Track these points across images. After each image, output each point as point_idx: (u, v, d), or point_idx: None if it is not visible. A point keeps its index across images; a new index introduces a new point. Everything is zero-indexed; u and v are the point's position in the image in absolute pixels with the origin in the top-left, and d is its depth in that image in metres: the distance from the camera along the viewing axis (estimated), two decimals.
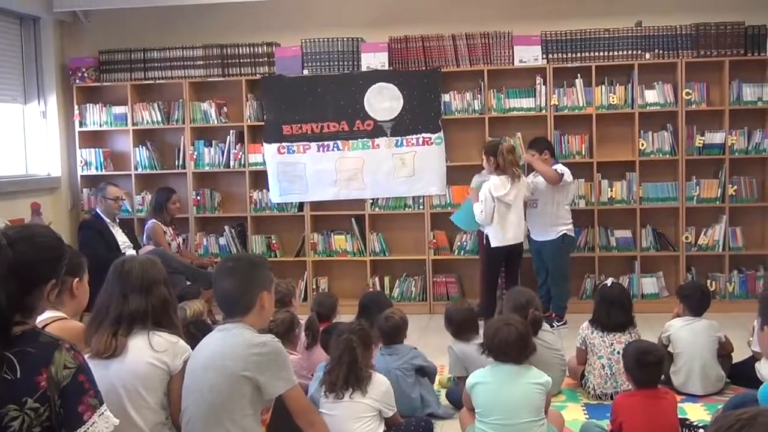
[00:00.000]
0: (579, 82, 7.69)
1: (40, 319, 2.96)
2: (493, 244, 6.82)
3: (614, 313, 5.16)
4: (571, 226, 7.12)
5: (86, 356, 2.91)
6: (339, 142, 7.90)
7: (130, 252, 6.99)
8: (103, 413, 2.25)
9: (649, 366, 3.94)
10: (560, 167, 6.97)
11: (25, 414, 2.10)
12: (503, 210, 6.78)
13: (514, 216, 6.83)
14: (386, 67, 7.83)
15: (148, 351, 3.10)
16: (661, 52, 7.62)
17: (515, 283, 6.80)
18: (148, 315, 3.16)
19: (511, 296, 5.28)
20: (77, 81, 8.26)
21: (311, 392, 4.19)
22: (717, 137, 7.58)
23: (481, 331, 4.86)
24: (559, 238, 7.02)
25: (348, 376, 3.96)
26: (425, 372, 4.92)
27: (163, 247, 7.23)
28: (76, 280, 3.26)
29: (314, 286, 8.14)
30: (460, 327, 5.14)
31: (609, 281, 5.43)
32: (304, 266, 8.17)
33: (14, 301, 2.18)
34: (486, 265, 7.03)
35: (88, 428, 2.20)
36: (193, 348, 3.25)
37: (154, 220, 7.48)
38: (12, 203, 7.33)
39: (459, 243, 7.93)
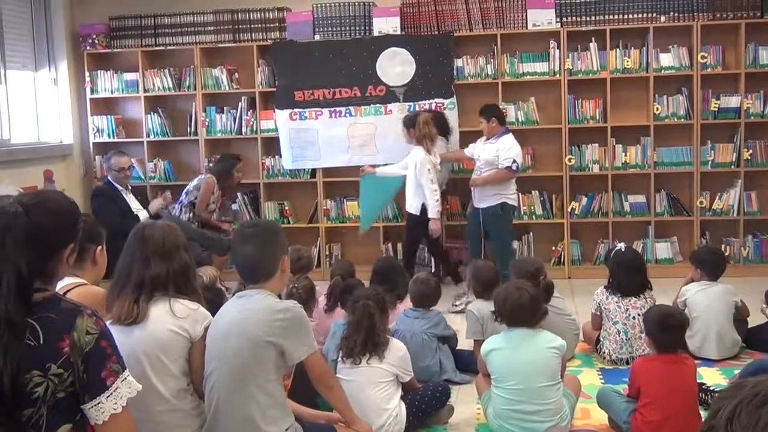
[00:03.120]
0: (593, 45, 7.62)
1: (62, 284, 2.97)
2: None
3: (632, 276, 5.16)
4: (513, 196, 6.97)
5: (108, 322, 2.93)
6: (351, 107, 7.86)
7: (143, 214, 7.02)
8: (125, 378, 2.25)
9: (673, 330, 3.93)
10: (512, 153, 6.79)
11: (49, 380, 2.11)
12: (435, 177, 6.85)
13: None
14: (398, 32, 7.75)
15: (169, 318, 3.10)
16: (676, 14, 7.53)
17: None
18: (169, 280, 3.15)
19: (520, 265, 5.25)
20: (88, 47, 8.22)
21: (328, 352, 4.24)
22: (732, 101, 7.50)
23: None
24: (498, 205, 6.89)
25: (366, 342, 3.98)
26: (447, 340, 4.97)
27: (200, 203, 7.23)
28: (99, 247, 3.27)
29: (327, 253, 8.15)
30: (486, 284, 5.09)
31: (621, 246, 5.44)
32: (317, 233, 8.17)
33: (34, 267, 2.17)
34: (414, 233, 7.11)
35: (111, 393, 2.20)
36: (211, 313, 3.25)
37: (213, 177, 7.38)
38: (25, 171, 7.32)
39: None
